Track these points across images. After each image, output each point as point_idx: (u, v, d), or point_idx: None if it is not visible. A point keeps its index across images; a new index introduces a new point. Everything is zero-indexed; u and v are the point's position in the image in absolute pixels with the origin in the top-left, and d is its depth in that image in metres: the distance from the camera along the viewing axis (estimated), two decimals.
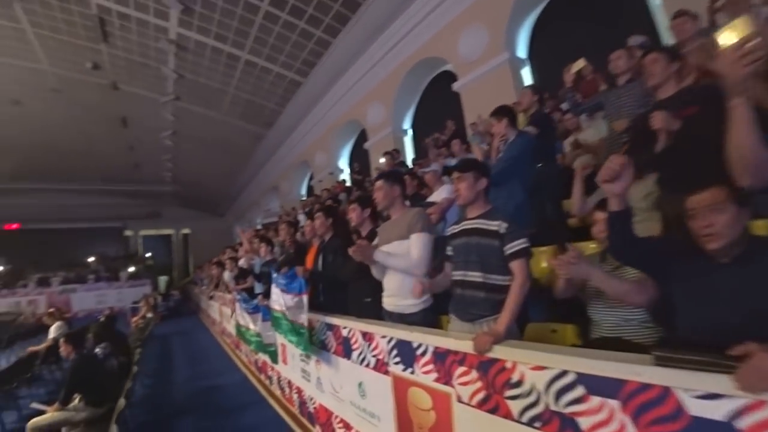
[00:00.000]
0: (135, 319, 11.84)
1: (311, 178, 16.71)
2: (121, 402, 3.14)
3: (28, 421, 3.62)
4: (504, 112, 3.37)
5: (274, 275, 3.82)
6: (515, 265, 1.95)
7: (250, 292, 5.94)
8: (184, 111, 16.19)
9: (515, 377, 1.60)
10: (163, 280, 26.87)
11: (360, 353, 2.73)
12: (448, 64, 10.44)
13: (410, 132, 12.32)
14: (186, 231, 30.88)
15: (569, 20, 8.55)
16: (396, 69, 11.55)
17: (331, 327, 3.18)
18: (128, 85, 14.79)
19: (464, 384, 1.84)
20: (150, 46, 12.78)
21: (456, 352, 1.88)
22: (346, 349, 2.94)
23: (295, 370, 4.11)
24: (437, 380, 2.00)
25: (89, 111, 16.43)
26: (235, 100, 15.40)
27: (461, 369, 1.85)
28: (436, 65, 10.98)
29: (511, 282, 1.95)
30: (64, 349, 3.78)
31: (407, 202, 3.12)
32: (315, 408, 3.62)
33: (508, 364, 1.64)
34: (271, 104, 15.42)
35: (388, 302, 2.61)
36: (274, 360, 4.73)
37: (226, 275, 8.09)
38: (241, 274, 6.78)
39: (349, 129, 14.34)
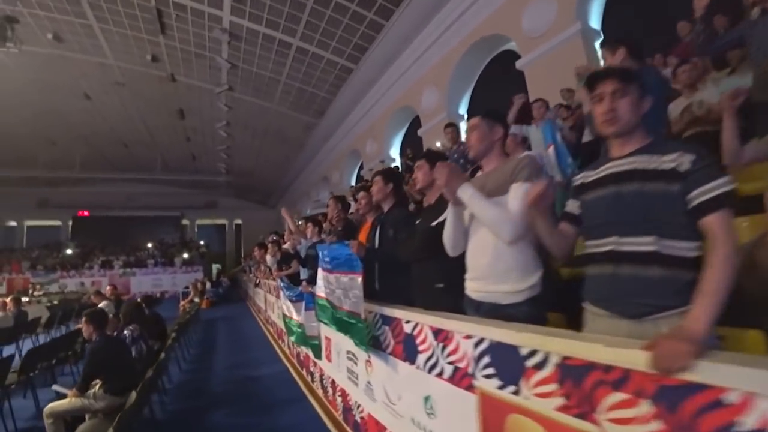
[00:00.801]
0: (183, 303, 11.81)
1: (361, 168, 16.17)
2: (132, 396, 2.61)
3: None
4: (620, 41, 2.52)
5: (320, 253, 3.21)
6: (714, 222, 1.14)
7: (295, 279, 5.39)
8: (238, 101, 16.12)
9: (744, 420, 0.82)
10: (215, 267, 27.54)
11: (429, 357, 1.98)
12: (510, 42, 9.48)
13: (466, 117, 11.42)
14: (238, 221, 31.50)
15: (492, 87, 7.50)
16: (452, 51, 10.68)
17: (388, 320, 2.44)
18: (185, 76, 14.87)
19: (625, 423, 1.06)
20: (204, 36, 12.67)
21: (608, 368, 1.10)
22: (408, 350, 2.20)
23: (341, 369, 3.40)
24: (566, 410, 1.22)
25: (149, 103, 16.76)
26: (286, 89, 15.11)
27: (618, 397, 1.07)
28: (495, 44, 10.01)
29: (705, 252, 1.15)
30: (85, 330, 3.31)
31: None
32: (362, 418, 2.91)
33: (731, 397, 0.86)
34: (323, 92, 14.99)
35: (475, 287, 1.84)
36: (317, 355, 4.08)
37: (269, 259, 7.65)
38: (285, 259, 6.25)
39: (401, 116, 13.62)
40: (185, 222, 30.10)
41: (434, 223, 2.17)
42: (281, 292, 5.26)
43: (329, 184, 19.00)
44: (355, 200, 6.10)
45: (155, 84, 15.26)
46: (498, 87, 10.34)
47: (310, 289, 3.99)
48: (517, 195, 1.68)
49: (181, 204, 28.75)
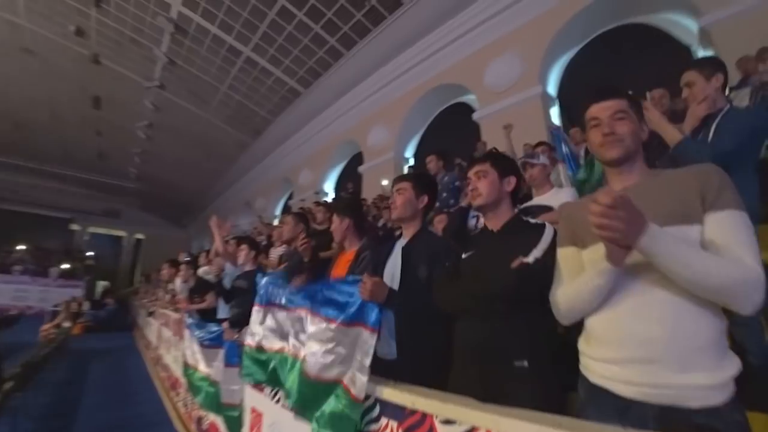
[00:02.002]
0: (46, 327, 9.28)
1: (290, 197, 15.02)
2: None
3: None
4: (717, 66, 2.07)
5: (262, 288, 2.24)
6: None
7: (209, 316, 4.15)
8: (167, 102, 14.44)
9: None
10: (101, 285, 23.57)
11: None
12: (468, 93, 9.45)
13: (411, 161, 11.06)
14: (140, 236, 27.80)
15: (602, 64, 7.82)
16: (409, 92, 10.46)
17: (401, 413, 1.34)
18: (111, 61, 13.00)
19: None
20: (145, 21, 11.24)
21: None
22: None
23: None
24: None
25: (61, 82, 14.37)
26: (225, 99, 13.87)
27: None
28: (453, 93, 9.94)
29: None
30: None
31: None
32: None
33: None
34: (264, 111, 13.97)
35: (627, 376, 1.03)
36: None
37: (178, 283, 6.12)
38: (199, 287, 4.91)
39: (343, 150, 12.97)
40: (75, 227, 25.82)
41: (530, 259, 1.39)
42: (187, 332, 3.92)
43: (252, 211, 17.45)
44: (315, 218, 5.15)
45: (73, 62, 13.13)
46: (448, 135, 10.19)
47: (235, 336, 2.86)
48: (741, 233, 1.01)
49: (74, 206, 24.68)
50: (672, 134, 1.92)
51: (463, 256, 1.62)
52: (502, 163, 1.67)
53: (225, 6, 10.26)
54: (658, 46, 7.53)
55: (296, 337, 1.86)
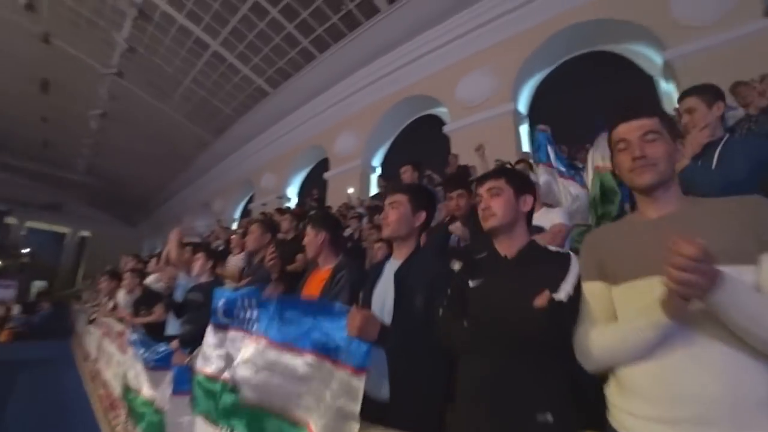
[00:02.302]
0: None
1: (251, 200, 14.40)
2: None
3: None
4: (718, 94, 2.00)
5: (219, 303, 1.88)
6: None
7: (156, 331, 3.65)
8: (125, 91, 13.53)
9: None
10: (37, 285, 21.61)
11: None
12: (439, 105, 9.38)
13: (379, 170, 10.84)
14: (86, 233, 25.87)
15: (571, 88, 7.98)
16: (381, 101, 10.28)
17: None
18: (64, 41, 12.06)
19: None
20: (107, 3, 10.52)
21: None
22: None
23: None
24: None
25: (5, 60, 13.21)
26: (188, 94, 13.18)
27: None
28: (424, 105, 9.86)
29: None
30: None
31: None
32: None
33: None
34: (228, 109, 13.39)
35: None
36: None
37: (121, 296, 5.40)
38: (147, 299, 4.35)
39: (309, 155, 12.58)
40: (11, 221, 23.65)
41: (562, 296, 1.17)
42: (131, 349, 3.36)
43: (210, 212, 16.61)
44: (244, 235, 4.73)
45: (20, 38, 12.07)
46: (417, 146, 10.06)
47: (186, 359, 2.42)
48: None
49: (11, 197, 22.63)
50: None
51: (471, 284, 1.36)
52: (519, 180, 1.47)
53: None
54: (624, 74, 7.74)
55: (255, 367, 1.53)
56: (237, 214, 15.60)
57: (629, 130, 1.09)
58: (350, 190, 9.27)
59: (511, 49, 8.06)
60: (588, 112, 7.69)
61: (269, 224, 3.11)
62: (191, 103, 13.55)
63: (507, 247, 1.39)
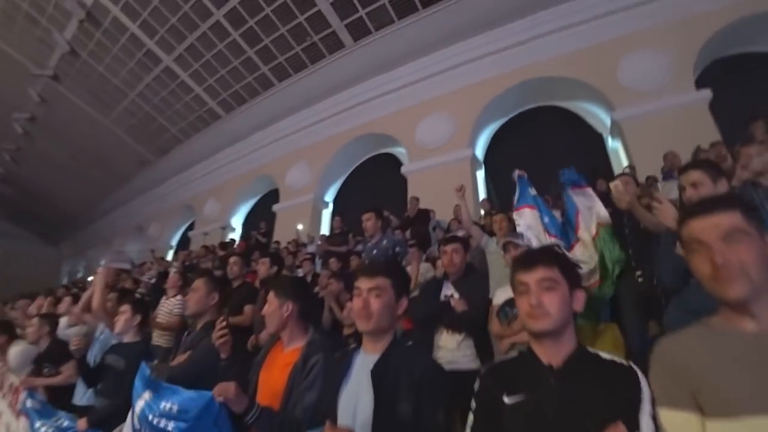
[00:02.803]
0: None
1: (191, 228, 13.28)
2: None
3: None
4: (720, 171, 1.93)
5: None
6: None
7: (62, 398, 2.85)
8: (59, 97, 12.33)
9: None
10: None
11: None
12: (397, 145, 9.22)
13: (330, 206, 10.36)
14: None
15: (525, 138, 8.20)
16: (337, 135, 9.99)
17: None
18: None
19: None
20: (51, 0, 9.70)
21: None
22: None
23: None
24: None
25: None
26: (133, 108, 12.23)
27: None
28: (381, 143, 9.68)
29: None
30: None
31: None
32: None
33: None
34: (175, 129, 12.53)
35: None
36: None
37: (15, 353, 3.61)
38: (53, 354, 3.24)
39: (257, 185, 11.90)
40: None
41: None
42: (23, 420, 2.52)
43: (143, 237, 15.17)
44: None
45: None
46: (371, 184, 9.75)
47: None
48: None
49: None
50: None
51: (507, 400, 1.05)
52: (572, 270, 1.15)
53: (152, 6, 9.19)
54: (575, 130, 8.00)
55: None
56: (174, 240, 14.33)
57: (707, 228, 0.89)
58: (299, 226, 8.68)
59: (471, 97, 8.16)
60: (541, 162, 7.88)
61: (218, 280, 2.36)
62: (135, 118, 12.57)
63: (552, 354, 1.07)
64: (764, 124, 4.49)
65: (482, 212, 7.00)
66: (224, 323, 1.67)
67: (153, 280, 7.98)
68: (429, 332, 2.29)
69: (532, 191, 3.01)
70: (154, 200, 15.18)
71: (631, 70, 6.80)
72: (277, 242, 8.36)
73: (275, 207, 10.54)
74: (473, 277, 2.52)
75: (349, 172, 10.55)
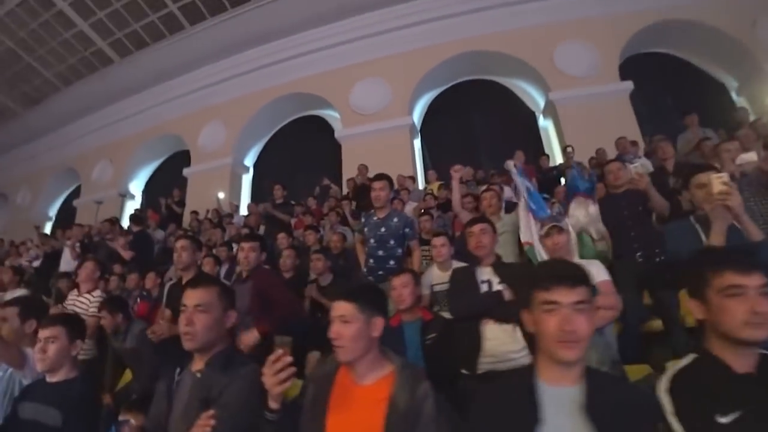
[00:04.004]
0: None
1: (76, 196, 11.09)
2: None
3: None
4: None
5: None
6: None
7: None
8: None
9: None
10: None
11: None
12: (328, 108, 8.51)
13: (251, 172, 9.32)
14: None
15: (459, 110, 8.16)
16: (259, 93, 8.91)
17: None
18: None
19: None
20: None
21: None
22: None
23: None
24: None
25: None
26: None
27: None
28: (309, 104, 8.87)
29: None
30: None
31: None
32: None
33: None
34: (50, 73, 10.15)
35: None
36: None
37: None
38: None
39: (161, 145, 10.26)
40: None
41: None
42: None
43: (7, 205, 12.38)
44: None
45: None
46: (295, 148, 8.93)
47: None
48: None
49: None
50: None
51: (722, 420, 0.86)
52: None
53: None
54: (508, 106, 8.09)
55: None
56: (53, 211, 11.93)
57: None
58: (221, 195, 7.62)
59: (410, 64, 7.85)
60: (473, 135, 7.91)
61: (228, 292, 1.43)
62: None
63: (742, 361, 0.94)
64: (696, 117, 5.05)
65: (424, 183, 6.77)
66: (284, 356, 1.05)
67: (37, 263, 6.38)
68: (469, 324, 1.90)
69: (529, 185, 2.91)
70: (20, 161, 12.34)
71: (566, 56, 7.19)
72: (195, 212, 7.23)
73: (186, 171, 9.18)
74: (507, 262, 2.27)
75: (270, 135, 9.54)
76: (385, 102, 7.75)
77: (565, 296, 0.87)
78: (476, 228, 2.11)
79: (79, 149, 11.16)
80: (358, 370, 1.13)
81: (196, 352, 1.27)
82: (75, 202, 10.79)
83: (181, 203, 7.59)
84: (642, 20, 7.17)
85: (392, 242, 2.76)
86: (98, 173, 10.61)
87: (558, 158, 6.69)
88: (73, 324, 1.74)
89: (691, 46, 7.40)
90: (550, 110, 7.33)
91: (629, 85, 6.91)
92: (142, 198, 10.45)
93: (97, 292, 2.88)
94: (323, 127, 8.75)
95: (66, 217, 10.80)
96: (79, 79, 10.11)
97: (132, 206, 9.75)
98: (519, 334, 1.78)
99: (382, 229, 2.77)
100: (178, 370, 1.34)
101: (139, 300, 4.01)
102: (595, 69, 7.08)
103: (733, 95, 7.30)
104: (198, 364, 1.27)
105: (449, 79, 8.23)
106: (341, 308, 1.14)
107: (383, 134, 7.41)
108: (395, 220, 2.80)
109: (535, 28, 7.41)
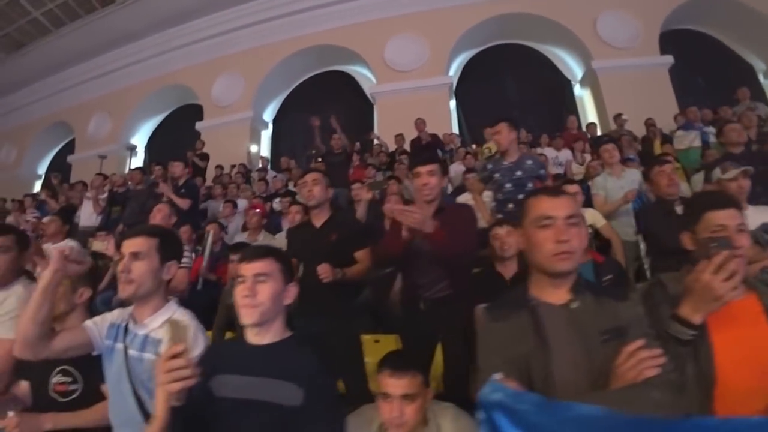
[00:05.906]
0: None
1: (70, 151, 10.19)
2: None
3: None
4: None
5: None
6: None
7: None
8: None
9: None
10: None
11: None
12: (358, 64, 8.13)
13: (271, 128, 8.76)
14: None
15: (493, 73, 7.88)
16: (279, 43, 8.29)
17: None
18: None
19: None
20: None
21: None
22: None
23: None
24: None
25: None
26: None
27: None
28: (335, 59, 8.48)
29: None
30: None
31: None
32: None
33: None
34: (37, 12, 9.01)
35: None
36: None
37: None
38: None
39: (169, 96, 9.44)
40: None
41: None
42: None
43: None
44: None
45: None
46: (318, 105, 8.37)
47: None
48: None
49: None
50: None
51: None
52: None
53: None
54: (541, 71, 7.83)
55: None
56: (42, 168, 10.99)
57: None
58: (253, 148, 7.16)
59: (448, 21, 7.44)
60: (506, 99, 7.63)
61: None
62: None
63: None
64: (748, 91, 5.34)
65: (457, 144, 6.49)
66: None
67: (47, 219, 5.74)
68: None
69: None
70: (4, 113, 11.21)
71: (609, 26, 7.05)
72: (220, 166, 6.73)
73: (199, 125, 8.49)
74: None
75: (290, 90, 8.90)
76: (423, 59, 7.38)
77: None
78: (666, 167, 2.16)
79: (72, 101, 10.16)
80: None
81: None
82: (70, 158, 9.94)
83: (205, 157, 7.02)
84: None
85: (530, 185, 2.61)
86: (95, 127, 9.75)
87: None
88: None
89: (725, 25, 7.29)
90: (590, 79, 7.20)
91: (669, 59, 6.85)
92: (145, 153, 9.73)
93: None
94: (349, 83, 8.24)
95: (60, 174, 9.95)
96: (72, 20, 8.99)
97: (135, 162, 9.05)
98: None
99: (518, 173, 2.63)
100: None
101: (193, 255, 3.64)
102: (635, 41, 6.97)
103: (761, 77, 7.23)
104: None
105: (483, 42, 7.90)
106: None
107: (421, 93, 7.08)
108: (529, 162, 2.68)
109: None
